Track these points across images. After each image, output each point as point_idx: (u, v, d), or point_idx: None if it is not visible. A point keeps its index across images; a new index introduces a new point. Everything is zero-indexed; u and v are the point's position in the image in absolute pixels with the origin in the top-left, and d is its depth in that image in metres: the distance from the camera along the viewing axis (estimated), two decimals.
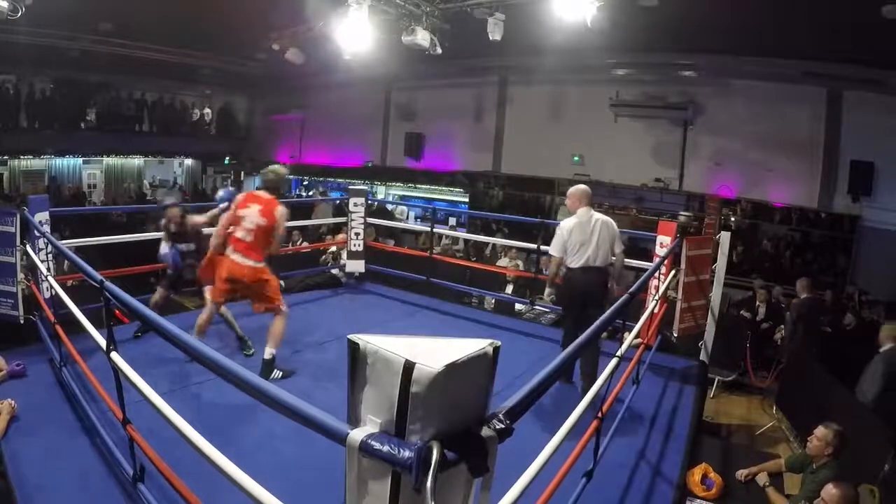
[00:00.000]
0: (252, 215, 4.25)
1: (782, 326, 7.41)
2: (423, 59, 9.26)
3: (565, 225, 4.43)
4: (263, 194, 4.36)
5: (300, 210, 13.16)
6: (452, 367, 1.25)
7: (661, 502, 3.32)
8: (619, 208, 11.85)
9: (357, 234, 7.11)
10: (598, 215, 4.47)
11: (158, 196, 13.92)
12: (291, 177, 17.19)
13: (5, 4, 6.48)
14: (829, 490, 3.12)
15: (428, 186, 14.47)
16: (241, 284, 4.28)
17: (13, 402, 3.49)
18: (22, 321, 4.65)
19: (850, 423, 3.91)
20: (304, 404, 1.53)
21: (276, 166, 4.51)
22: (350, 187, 7.62)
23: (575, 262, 4.37)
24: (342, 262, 7.45)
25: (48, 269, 4.50)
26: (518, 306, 7.45)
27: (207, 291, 4.68)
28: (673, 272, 5.20)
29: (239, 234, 4.24)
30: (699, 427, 4.46)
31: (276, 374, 4.35)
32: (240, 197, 4.47)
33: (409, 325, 6.17)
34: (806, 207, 10.16)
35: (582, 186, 4.60)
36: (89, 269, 2.85)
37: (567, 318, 4.64)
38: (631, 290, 3.35)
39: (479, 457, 1.32)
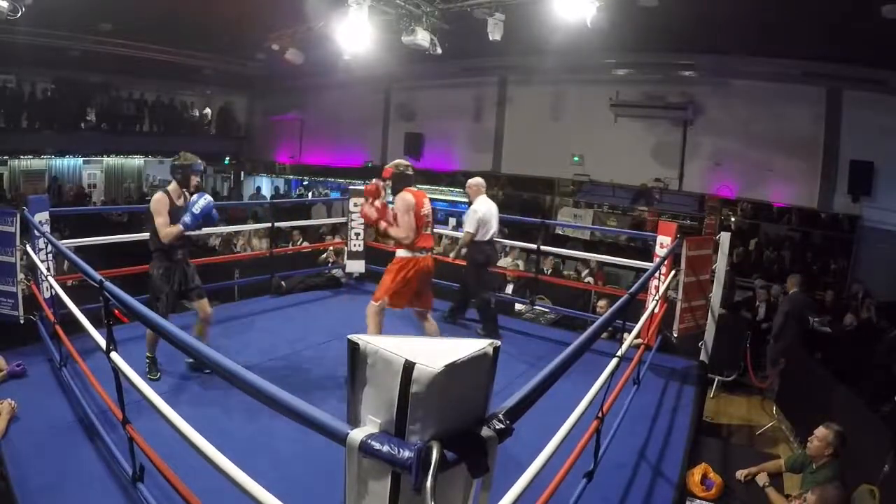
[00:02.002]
0: None
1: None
2: (422, 60, 9.27)
3: (479, 209, 5.57)
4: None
5: (300, 210, 13.21)
6: (452, 368, 1.25)
7: (661, 502, 3.32)
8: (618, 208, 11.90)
9: (357, 235, 7.11)
10: (491, 201, 5.73)
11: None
12: (291, 177, 17.21)
13: (5, 4, 6.47)
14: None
15: (428, 186, 14.45)
16: None
17: (13, 402, 3.49)
18: (22, 321, 4.65)
19: (850, 424, 3.92)
20: (303, 404, 1.53)
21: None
22: (350, 187, 7.62)
23: (483, 237, 5.59)
24: (342, 262, 7.45)
25: (48, 269, 4.50)
26: (518, 306, 7.44)
27: None
28: (673, 272, 5.20)
29: None
30: (699, 427, 4.47)
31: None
32: None
33: (409, 325, 6.17)
34: (806, 207, 10.15)
35: (479, 179, 5.83)
36: (89, 269, 2.85)
37: (471, 276, 5.79)
38: (631, 290, 3.36)
39: (479, 457, 1.32)
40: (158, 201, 4.02)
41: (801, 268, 10.27)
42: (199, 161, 4.28)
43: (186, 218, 4.02)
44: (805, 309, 7.15)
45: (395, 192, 4.38)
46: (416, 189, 4.40)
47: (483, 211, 5.57)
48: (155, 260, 4.12)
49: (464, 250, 5.76)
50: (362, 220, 7.08)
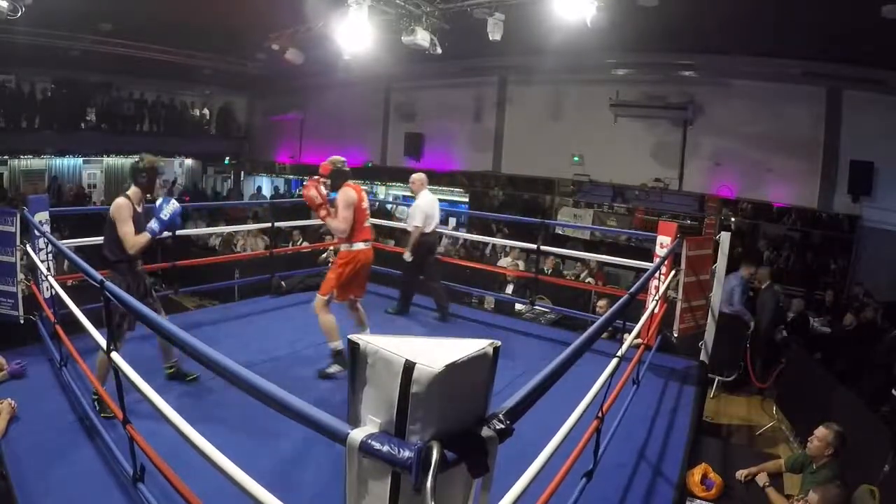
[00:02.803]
0: None
1: (782, 326, 7.42)
2: (422, 59, 9.27)
3: (423, 203, 6.04)
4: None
5: (300, 210, 13.19)
6: (452, 368, 1.25)
7: (661, 502, 3.32)
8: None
9: None
10: (432, 195, 6.20)
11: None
12: (291, 177, 17.21)
13: (5, 4, 6.48)
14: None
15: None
16: None
17: (13, 401, 3.49)
18: (22, 321, 4.65)
19: (850, 424, 3.92)
20: (304, 404, 1.53)
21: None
22: None
23: (427, 229, 6.04)
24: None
25: (48, 269, 4.50)
26: (518, 306, 7.45)
27: None
28: (673, 272, 5.20)
29: None
30: (699, 427, 4.46)
31: None
32: None
33: (409, 325, 6.17)
34: (806, 207, 10.16)
35: (422, 174, 6.27)
36: (89, 268, 2.85)
37: (413, 266, 6.17)
38: (631, 290, 3.36)
39: (479, 457, 1.32)
40: (121, 208, 3.65)
41: (801, 268, 10.29)
42: (164, 163, 4.09)
43: (154, 224, 3.72)
44: (777, 303, 7.29)
45: (335, 188, 4.53)
46: (354, 184, 4.61)
47: (426, 205, 6.04)
48: (114, 273, 3.69)
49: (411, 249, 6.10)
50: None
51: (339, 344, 4.48)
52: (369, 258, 4.67)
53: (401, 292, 6.47)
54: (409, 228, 6.18)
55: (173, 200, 3.86)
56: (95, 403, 3.58)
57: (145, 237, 3.69)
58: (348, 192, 4.47)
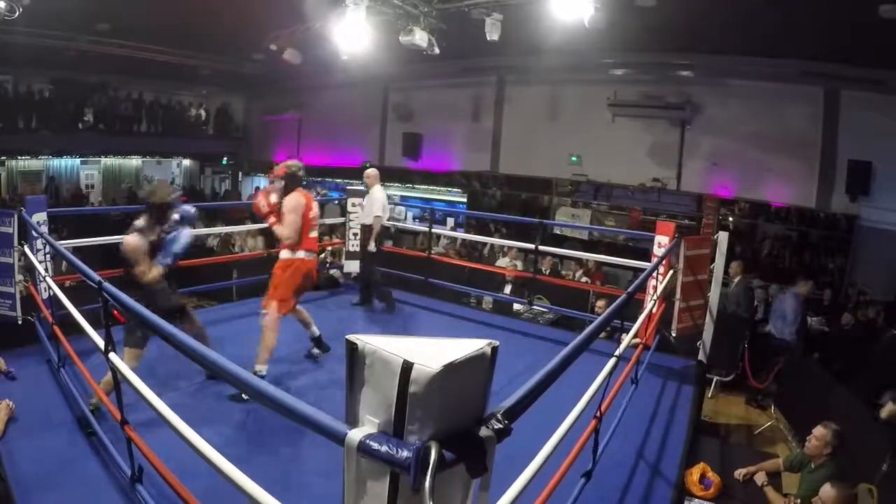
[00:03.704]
0: None
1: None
2: (420, 60, 9.25)
3: (381, 196, 6.39)
4: None
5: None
6: (451, 368, 1.25)
7: (660, 502, 3.33)
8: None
9: (355, 235, 7.10)
10: (384, 191, 6.58)
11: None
12: None
13: (2, 4, 6.48)
14: (827, 490, 3.12)
15: (426, 186, 14.47)
16: None
17: (11, 402, 3.49)
18: (20, 322, 4.64)
19: (849, 423, 3.93)
20: (302, 404, 1.53)
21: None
22: (348, 188, 7.61)
23: (384, 220, 6.51)
24: (340, 262, 7.45)
25: (46, 270, 4.49)
26: (516, 306, 7.45)
27: None
28: (671, 272, 5.21)
29: None
30: (697, 426, 4.47)
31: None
32: None
33: (408, 325, 6.17)
34: (804, 207, 10.16)
35: (375, 170, 6.59)
36: (88, 269, 2.84)
37: (376, 256, 6.46)
38: (629, 289, 3.36)
39: (478, 457, 1.32)
40: (136, 249, 3.58)
41: (800, 267, 10.30)
42: (177, 193, 3.97)
43: (167, 260, 3.69)
44: (751, 296, 7.31)
45: (286, 192, 4.45)
46: (305, 191, 4.55)
47: (383, 197, 6.45)
48: (134, 289, 3.53)
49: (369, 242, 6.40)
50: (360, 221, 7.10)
51: (264, 369, 4.24)
52: (310, 268, 4.58)
53: (363, 283, 6.76)
54: (369, 220, 6.38)
55: (186, 231, 3.80)
56: (93, 413, 3.45)
57: (158, 270, 3.65)
58: (297, 198, 4.41)
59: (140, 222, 3.68)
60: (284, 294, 4.41)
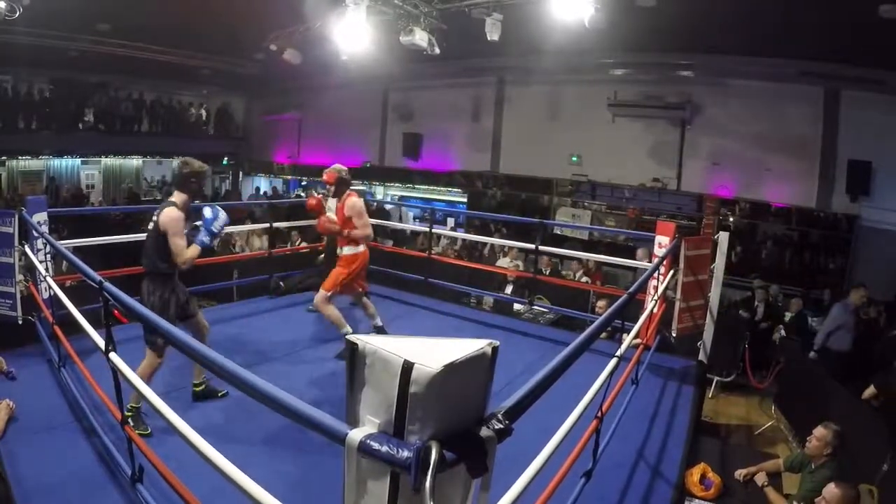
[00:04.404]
0: None
1: (781, 326, 7.42)
2: (420, 60, 9.26)
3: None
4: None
5: (298, 210, 13.17)
6: (451, 368, 1.25)
7: (660, 502, 3.32)
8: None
9: None
10: None
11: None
12: (290, 177, 17.20)
13: (3, 5, 6.48)
14: (831, 489, 3.12)
15: (426, 187, 14.48)
16: None
17: (11, 402, 3.49)
18: (21, 322, 4.64)
19: (849, 423, 3.92)
20: (302, 404, 1.53)
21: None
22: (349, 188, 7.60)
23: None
24: None
25: (47, 270, 4.49)
26: (517, 306, 7.44)
27: None
28: (671, 272, 5.20)
29: None
30: (698, 427, 4.47)
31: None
32: None
33: (408, 325, 6.17)
34: (804, 207, 10.17)
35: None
36: (88, 269, 2.84)
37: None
38: (630, 290, 3.36)
39: (478, 457, 1.32)
40: (177, 220, 3.42)
41: (800, 267, 10.30)
42: (208, 168, 3.87)
43: (205, 237, 3.52)
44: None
45: (337, 195, 4.75)
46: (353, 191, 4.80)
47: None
48: (155, 285, 3.53)
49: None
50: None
51: (349, 328, 4.69)
52: (367, 256, 4.88)
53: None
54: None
55: (222, 212, 3.66)
56: (129, 419, 3.11)
57: (197, 250, 3.49)
58: (358, 201, 4.67)
59: (174, 198, 3.53)
60: (341, 282, 4.69)
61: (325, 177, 4.79)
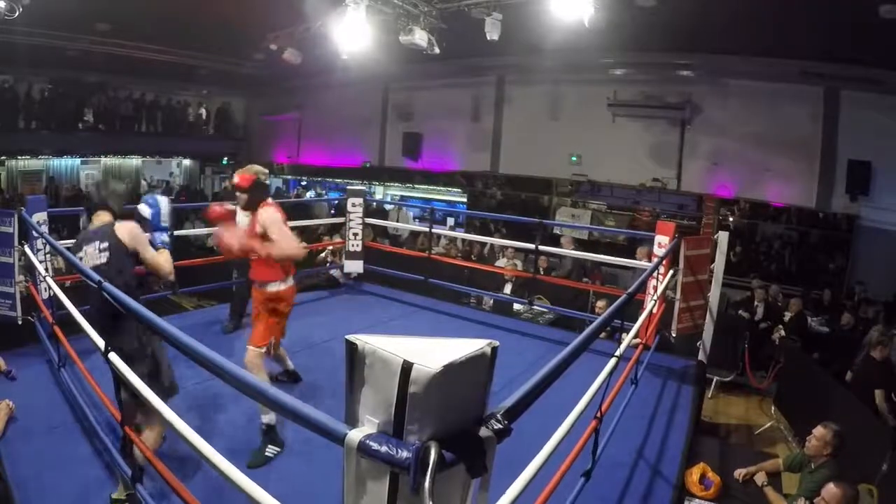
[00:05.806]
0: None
1: (780, 326, 7.42)
2: (420, 59, 9.27)
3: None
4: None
5: (299, 210, 13.20)
6: (451, 368, 1.24)
7: (660, 502, 3.33)
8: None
9: (355, 235, 7.10)
10: None
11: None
12: (290, 177, 17.20)
13: (3, 4, 6.48)
14: (830, 489, 3.12)
15: (426, 186, 14.48)
16: None
17: (11, 403, 3.49)
18: (20, 322, 4.65)
19: (849, 423, 3.92)
20: (302, 404, 1.53)
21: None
22: (348, 188, 7.61)
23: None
24: (340, 262, 7.45)
25: (46, 270, 4.49)
26: (516, 306, 7.45)
27: None
28: (671, 272, 5.21)
29: None
30: (697, 427, 4.47)
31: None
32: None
33: (408, 325, 6.17)
34: (804, 207, 10.17)
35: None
36: (87, 269, 2.84)
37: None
38: (629, 290, 3.36)
39: (478, 457, 1.32)
40: (139, 232, 2.96)
41: (799, 267, 10.31)
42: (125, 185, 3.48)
43: (164, 236, 3.12)
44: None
45: (251, 206, 3.56)
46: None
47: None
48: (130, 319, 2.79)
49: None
50: (360, 221, 7.08)
51: (273, 417, 3.34)
52: (295, 291, 3.83)
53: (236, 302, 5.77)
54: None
55: (158, 195, 3.25)
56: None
57: (168, 253, 3.08)
58: (276, 212, 3.52)
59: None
60: (279, 329, 3.69)
61: (236, 180, 3.55)
